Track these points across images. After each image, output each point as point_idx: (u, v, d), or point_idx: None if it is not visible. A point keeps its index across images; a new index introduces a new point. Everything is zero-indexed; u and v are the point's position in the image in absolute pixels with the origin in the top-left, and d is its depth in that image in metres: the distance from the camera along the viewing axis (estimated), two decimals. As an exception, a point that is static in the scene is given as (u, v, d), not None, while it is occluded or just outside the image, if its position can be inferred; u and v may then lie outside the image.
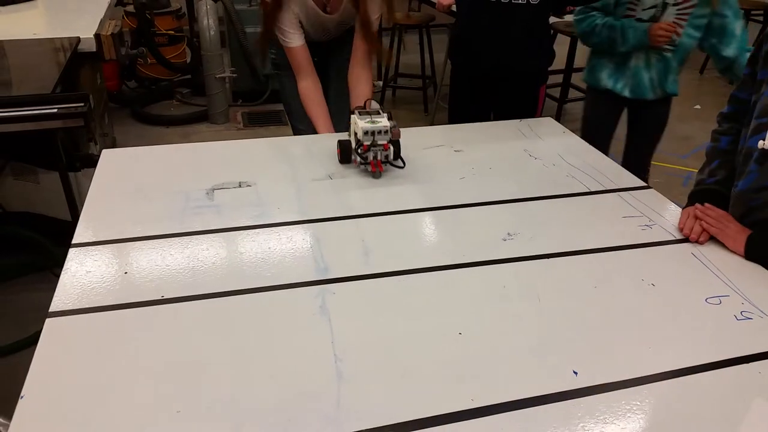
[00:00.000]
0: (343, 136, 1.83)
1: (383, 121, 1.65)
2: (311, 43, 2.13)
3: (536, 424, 0.93)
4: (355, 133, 1.69)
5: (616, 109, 2.46)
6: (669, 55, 2.25)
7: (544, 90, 2.36)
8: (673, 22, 2.16)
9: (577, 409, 0.96)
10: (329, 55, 2.25)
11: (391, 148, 1.68)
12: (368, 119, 1.66)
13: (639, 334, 1.13)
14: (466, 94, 2.40)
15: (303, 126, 2.24)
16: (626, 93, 2.34)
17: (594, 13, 2.31)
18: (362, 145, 1.64)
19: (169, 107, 4.54)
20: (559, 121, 2.17)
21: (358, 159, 1.68)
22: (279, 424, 0.92)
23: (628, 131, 2.51)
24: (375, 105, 1.79)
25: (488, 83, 2.30)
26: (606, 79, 2.37)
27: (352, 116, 1.71)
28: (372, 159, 1.66)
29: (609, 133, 2.51)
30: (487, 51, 2.22)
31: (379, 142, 1.65)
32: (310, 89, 2.07)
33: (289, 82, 2.17)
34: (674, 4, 2.14)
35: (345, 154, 1.74)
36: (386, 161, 1.69)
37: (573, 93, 4.41)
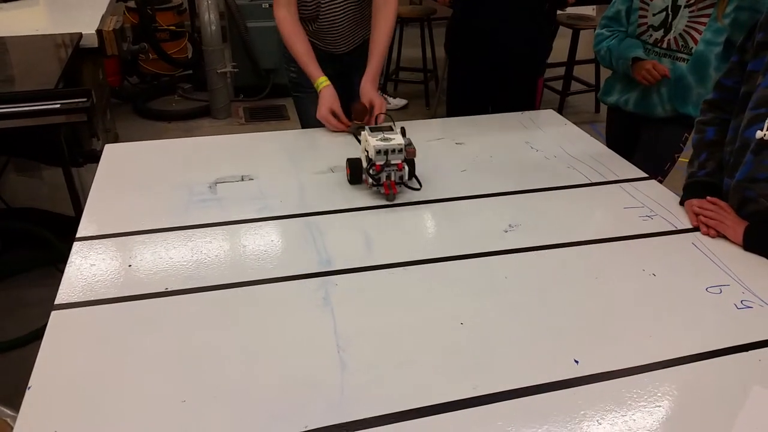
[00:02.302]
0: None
1: (397, 138, 1.50)
2: (332, 55, 2.08)
3: (537, 412, 0.94)
4: (366, 152, 1.54)
5: (630, 127, 2.13)
6: (683, 65, 1.92)
7: (542, 82, 2.36)
8: (685, 29, 1.89)
9: (578, 397, 0.96)
10: (352, 68, 2.14)
11: (406, 167, 1.52)
12: (380, 136, 1.51)
13: (640, 323, 1.14)
14: (464, 88, 2.41)
15: None
16: (630, 107, 2.06)
17: (603, 31, 2.08)
18: (374, 165, 1.49)
19: (170, 102, 4.55)
20: (561, 114, 2.18)
21: (370, 180, 1.53)
22: (283, 413, 0.93)
23: (634, 153, 2.07)
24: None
25: (486, 76, 2.30)
26: (614, 94, 2.12)
27: (363, 133, 1.56)
28: (385, 180, 1.51)
29: (631, 154, 2.05)
30: (486, 36, 2.22)
31: (393, 162, 1.50)
32: (288, 19, 1.93)
33: (309, 104, 2.04)
34: (687, 6, 1.88)
35: (355, 174, 1.57)
36: (401, 182, 1.54)
37: (575, 86, 4.40)
